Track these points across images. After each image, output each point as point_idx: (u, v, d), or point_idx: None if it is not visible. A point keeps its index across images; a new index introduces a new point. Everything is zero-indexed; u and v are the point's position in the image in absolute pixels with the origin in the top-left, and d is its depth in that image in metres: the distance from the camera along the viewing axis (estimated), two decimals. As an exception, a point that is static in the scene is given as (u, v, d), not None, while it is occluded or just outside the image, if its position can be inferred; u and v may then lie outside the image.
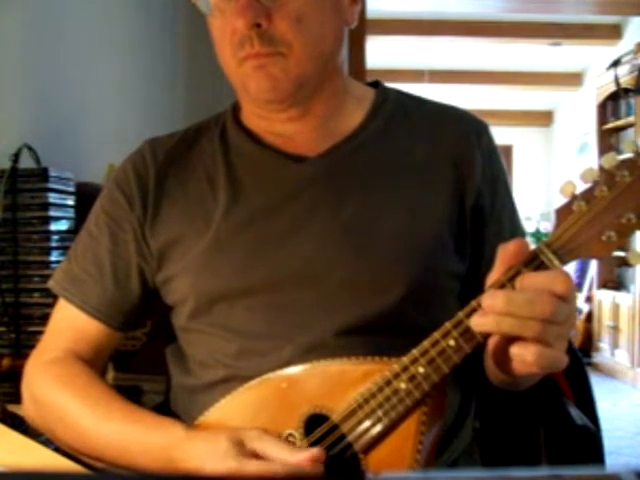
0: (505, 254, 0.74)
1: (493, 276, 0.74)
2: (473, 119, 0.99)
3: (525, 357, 0.72)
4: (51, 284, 1.00)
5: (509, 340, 0.73)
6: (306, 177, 0.92)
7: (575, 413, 1.00)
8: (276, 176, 0.93)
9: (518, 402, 0.99)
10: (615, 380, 5.13)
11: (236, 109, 1.00)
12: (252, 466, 0.75)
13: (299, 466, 0.75)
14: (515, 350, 0.73)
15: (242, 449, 0.77)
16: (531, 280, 0.71)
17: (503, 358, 0.75)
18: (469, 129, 0.97)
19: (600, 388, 4.42)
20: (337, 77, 0.95)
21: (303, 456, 0.75)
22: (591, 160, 5.77)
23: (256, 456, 0.77)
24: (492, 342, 0.75)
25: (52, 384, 0.93)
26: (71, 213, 1.60)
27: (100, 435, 0.88)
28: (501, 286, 0.73)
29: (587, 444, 1.00)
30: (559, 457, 0.97)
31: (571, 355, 1.05)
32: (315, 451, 0.76)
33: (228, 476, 0.73)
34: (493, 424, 1.05)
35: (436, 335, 0.76)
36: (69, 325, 0.98)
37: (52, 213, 1.52)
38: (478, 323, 0.73)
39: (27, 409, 0.97)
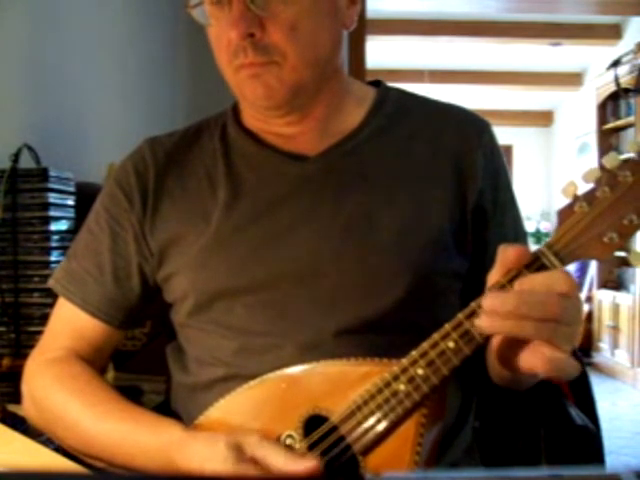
0: (505, 258, 0.73)
1: (492, 277, 0.74)
2: (475, 118, 0.99)
3: (537, 359, 0.70)
4: (51, 283, 1.00)
5: (515, 338, 0.72)
6: (306, 176, 0.92)
7: (575, 413, 1.00)
8: (276, 175, 0.93)
9: (518, 402, 0.99)
10: (615, 380, 5.14)
11: (236, 108, 1.00)
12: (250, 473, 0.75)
13: (297, 475, 0.74)
14: (527, 351, 0.71)
15: (241, 455, 0.76)
16: (533, 281, 0.70)
17: (508, 356, 0.74)
18: (471, 128, 0.97)
19: (600, 388, 4.43)
20: (336, 79, 0.95)
21: (302, 467, 0.74)
22: (591, 160, 5.78)
23: (255, 463, 0.76)
24: (496, 341, 0.75)
25: (52, 383, 0.93)
26: (71, 213, 1.60)
27: (99, 434, 0.88)
28: (501, 287, 0.72)
29: (587, 444, 1.00)
30: (559, 457, 0.97)
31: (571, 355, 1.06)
32: (314, 463, 0.75)
33: (228, 476, 0.73)
34: (493, 424, 1.05)
35: (435, 337, 0.75)
36: (69, 324, 0.98)
37: (52, 213, 1.52)
38: (485, 325, 0.71)
39: (27, 408, 0.97)
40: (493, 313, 0.70)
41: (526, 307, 0.68)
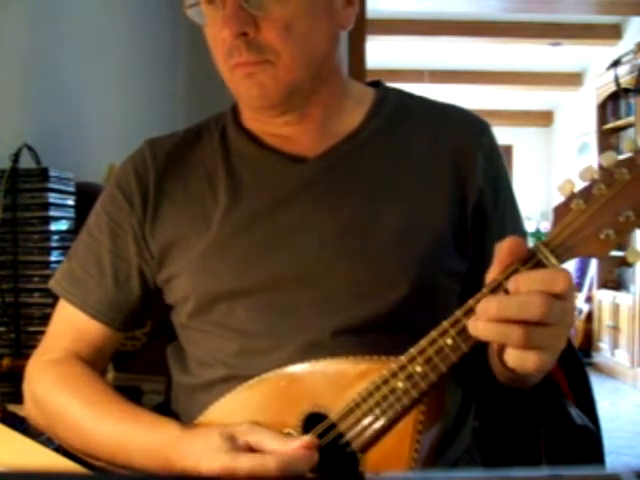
0: (501, 252, 0.73)
1: (490, 275, 0.74)
2: (474, 119, 0.99)
3: (513, 361, 0.71)
4: (52, 284, 1.00)
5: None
6: (306, 178, 0.92)
7: (575, 413, 1.00)
8: (276, 177, 0.93)
9: (518, 402, 0.99)
10: (615, 380, 5.14)
11: (236, 110, 1.00)
12: (244, 459, 0.75)
13: (292, 455, 0.75)
14: (505, 355, 0.72)
15: (234, 443, 0.77)
16: (526, 279, 0.70)
17: (503, 355, 0.74)
18: (470, 129, 0.97)
19: (600, 388, 4.43)
20: (334, 79, 0.94)
21: (296, 444, 0.75)
22: (591, 160, 5.78)
23: (249, 449, 0.77)
24: None
25: (53, 384, 0.93)
26: (71, 213, 1.60)
27: (99, 434, 0.88)
28: (498, 285, 0.72)
29: (587, 444, 1.00)
30: (559, 457, 0.97)
31: (571, 355, 1.06)
32: (307, 439, 0.76)
33: (226, 476, 0.73)
34: (493, 424, 1.05)
35: (434, 334, 0.76)
36: (70, 325, 0.98)
37: (52, 213, 1.52)
38: (471, 328, 0.72)
39: (28, 409, 0.97)
40: (479, 317, 0.70)
41: (508, 310, 0.69)
